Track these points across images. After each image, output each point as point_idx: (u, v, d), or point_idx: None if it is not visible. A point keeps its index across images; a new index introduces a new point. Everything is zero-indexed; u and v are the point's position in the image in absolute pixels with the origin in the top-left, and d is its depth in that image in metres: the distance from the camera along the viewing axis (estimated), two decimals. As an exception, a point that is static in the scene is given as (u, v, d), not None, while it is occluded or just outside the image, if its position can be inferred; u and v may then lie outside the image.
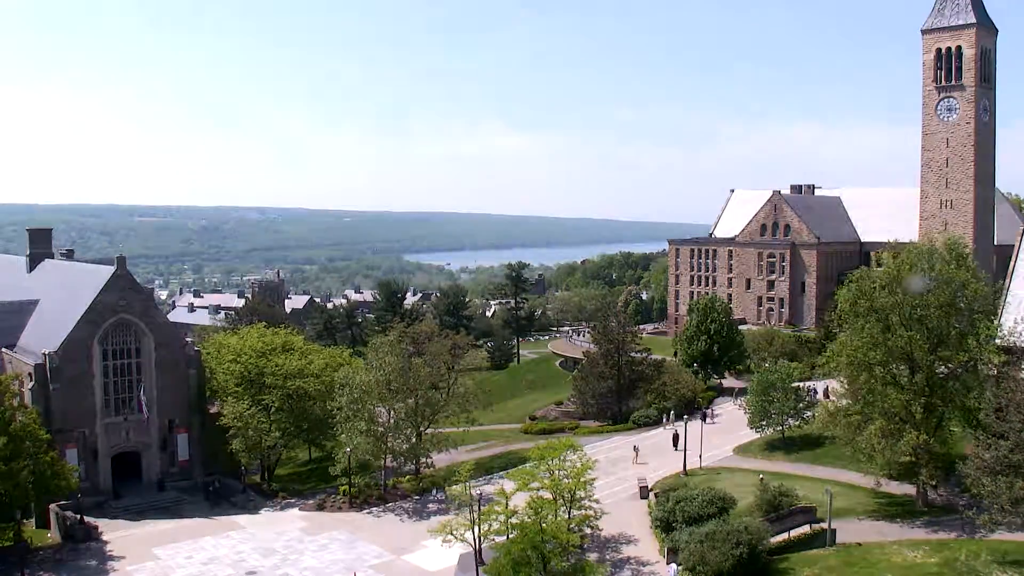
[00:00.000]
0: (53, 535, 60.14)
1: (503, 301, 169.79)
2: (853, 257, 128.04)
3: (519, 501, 48.54)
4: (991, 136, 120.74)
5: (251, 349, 71.02)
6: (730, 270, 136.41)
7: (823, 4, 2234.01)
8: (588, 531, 50.38)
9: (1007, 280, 64.42)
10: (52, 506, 60.52)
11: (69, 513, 60.28)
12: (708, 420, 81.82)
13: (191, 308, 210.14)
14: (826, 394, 75.01)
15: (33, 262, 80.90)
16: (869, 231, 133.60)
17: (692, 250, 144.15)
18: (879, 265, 55.97)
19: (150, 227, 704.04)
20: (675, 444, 72.46)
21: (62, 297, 72.89)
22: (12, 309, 73.98)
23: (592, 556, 49.83)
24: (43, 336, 69.56)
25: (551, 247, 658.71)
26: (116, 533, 60.05)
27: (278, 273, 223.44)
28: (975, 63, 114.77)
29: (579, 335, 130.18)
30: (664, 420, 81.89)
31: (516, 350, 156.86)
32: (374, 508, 64.28)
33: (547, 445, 48.98)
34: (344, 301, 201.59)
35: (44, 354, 66.05)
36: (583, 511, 47.85)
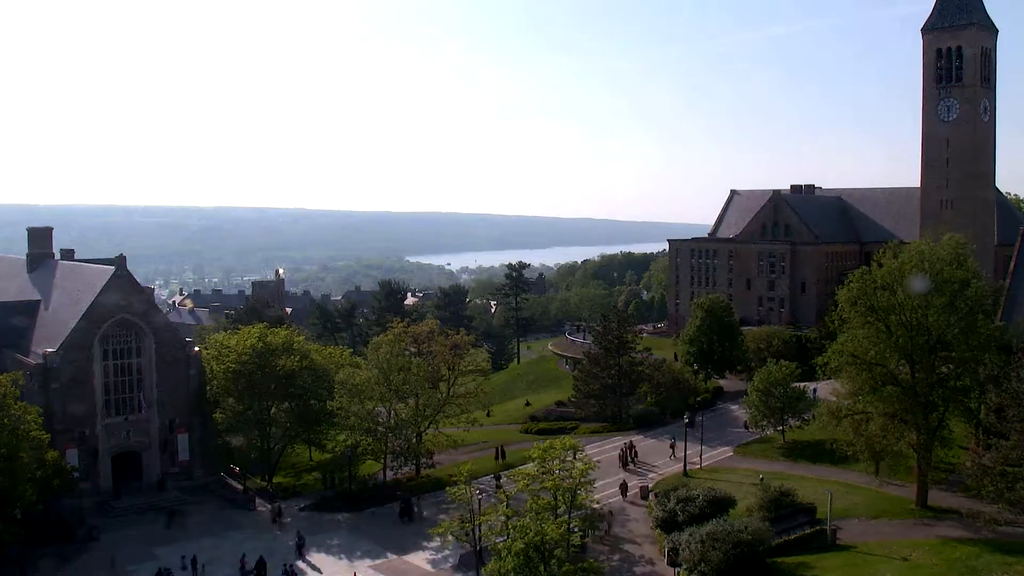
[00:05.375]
0: (54, 535, 60.08)
1: (503, 301, 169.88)
2: (853, 257, 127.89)
3: (519, 501, 48.55)
4: (991, 136, 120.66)
5: (251, 349, 70.93)
6: (730, 270, 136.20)
7: (824, 4, 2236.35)
8: (588, 531, 50.35)
9: (1007, 280, 64.44)
10: (53, 506, 60.45)
11: (70, 513, 60.28)
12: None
13: (191, 308, 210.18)
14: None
15: (33, 262, 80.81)
16: (869, 231, 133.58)
17: (692, 250, 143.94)
18: (880, 265, 55.89)
19: (150, 227, 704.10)
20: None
21: (62, 297, 72.87)
22: (13, 309, 73.93)
23: (592, 556, 49.82)
24: (43, 336, 69.56)
25: (551, 247, 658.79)
26: (116, 533, 60.08)
27: (278, 273, 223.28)
28: (975, 63, 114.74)
29: (579, 335, 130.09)
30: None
31: (516, 350, 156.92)
32: (374, 508, 64.24)
33: (547, 445, 48.93)
34: (344, 301, 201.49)
35: (44, 354, 66.04)
36: (583, 511, 47.81)
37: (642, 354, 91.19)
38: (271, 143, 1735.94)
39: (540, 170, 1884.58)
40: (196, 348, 74.32)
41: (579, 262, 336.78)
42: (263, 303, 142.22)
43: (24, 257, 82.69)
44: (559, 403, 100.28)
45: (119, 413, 68.62)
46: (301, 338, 78.84)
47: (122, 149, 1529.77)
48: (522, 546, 41.11)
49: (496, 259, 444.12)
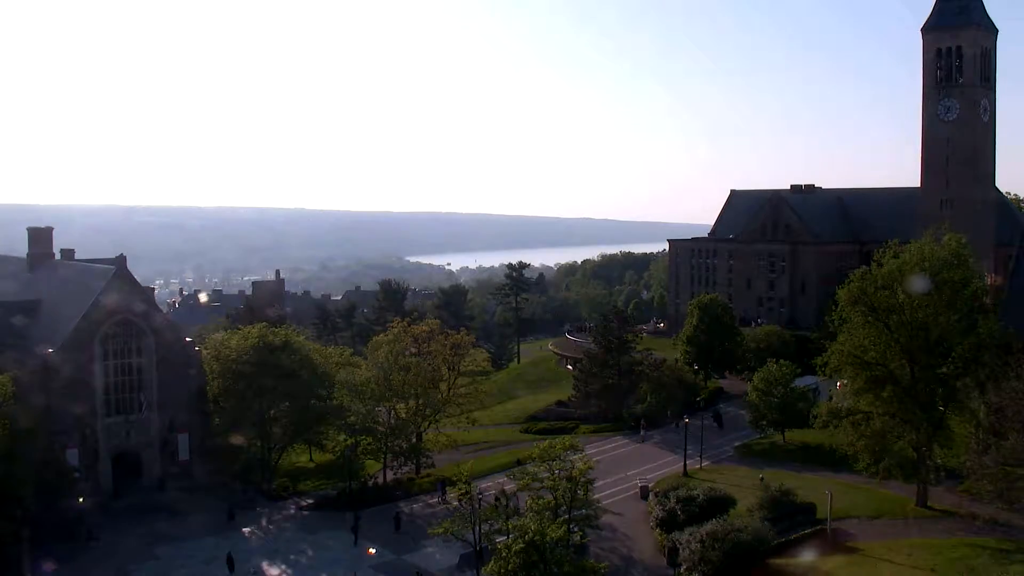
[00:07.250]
0: (54, 535, 60.06)
1: (503, 301, 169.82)
2: (853, 257, 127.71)
3: (520, 501, 48.55)
4: (991, 136, 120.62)
5: (251, 349, 70.87)
6: (730, 270, 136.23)
7: (823, 4, 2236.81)
8: (589, 531, 50.36)
9: (1007, 280, 64.43)
10: (53, 506, 60.40)
11: (70, 513, 60.23)
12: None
13: (191, 308, 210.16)
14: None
15: (34, 262, 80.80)
16: (869, 231, 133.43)
17: (692, 250, 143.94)
18: (880, 265, 55.89)
19: (150, 227, 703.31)
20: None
21: (63, 297, 72.85)
22: (13, 309, 73.87)
23: (593, 556, 49.82)
24: (43, 336, 69.48)
25: (551, 247, 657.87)
26: (116, 533, 60.06)
27: (278, 273, 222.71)
28: (975, 63, 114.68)
29: (579, 334, 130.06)
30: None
31: (516, 350, 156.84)
32: (375, 508, 64.22)
33: (547, 445, 48.96)
34: (344, 301, 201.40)
35: (44, 354, 65.97)
36: (584, 511, 47.82)
37: (642, 353, 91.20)
38: (271, 143, 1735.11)
39: (540, 170, 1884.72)
40: (196, 348, 74.28)
41: (579, 262, 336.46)
42: (263, 303, 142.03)
43: (24, 257, 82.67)
44: (559, 403, 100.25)
45: (119, 413, 68.59)
46: (301, 338, 78.83)
47: (122, 149, 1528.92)
48: (522, 546, 41.10)
49: (496, 259, 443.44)
